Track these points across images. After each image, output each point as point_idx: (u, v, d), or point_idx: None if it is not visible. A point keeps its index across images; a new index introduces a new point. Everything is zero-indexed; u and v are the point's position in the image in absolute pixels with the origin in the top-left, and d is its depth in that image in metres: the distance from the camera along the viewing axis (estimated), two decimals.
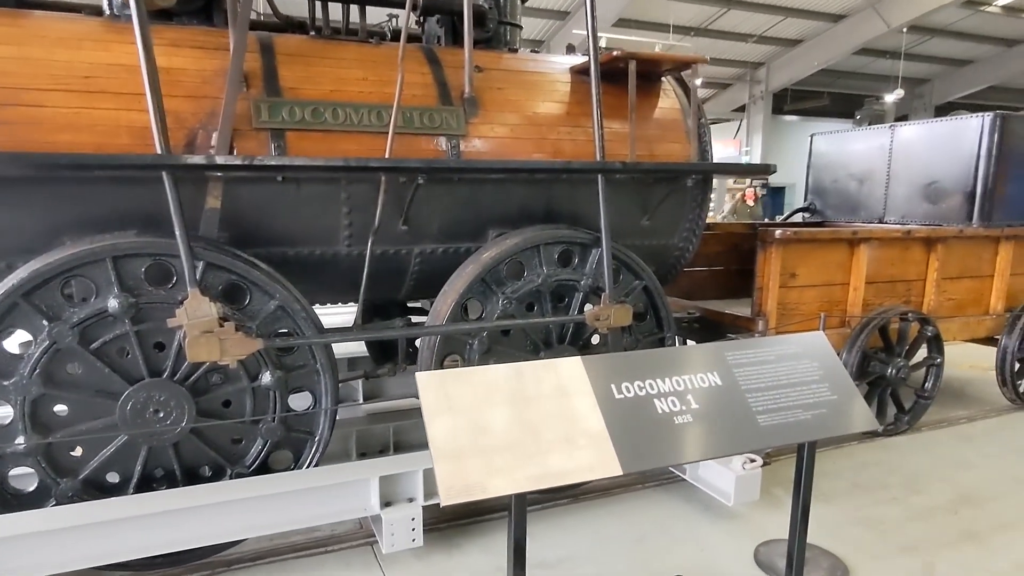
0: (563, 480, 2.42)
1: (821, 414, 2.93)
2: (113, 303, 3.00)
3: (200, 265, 3.13)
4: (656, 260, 4.53)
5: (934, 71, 25.42)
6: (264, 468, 3.44)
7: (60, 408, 3.09)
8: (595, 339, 4.13)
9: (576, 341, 4.04)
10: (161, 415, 3.16)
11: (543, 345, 3.95)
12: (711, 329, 5.11)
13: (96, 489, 3.15)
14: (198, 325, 3.06)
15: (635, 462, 2.52)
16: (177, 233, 2.96)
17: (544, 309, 3.93)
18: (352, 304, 3.88)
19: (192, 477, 3.32)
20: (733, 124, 25.79)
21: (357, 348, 5.18)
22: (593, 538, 3.70)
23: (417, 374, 2.48)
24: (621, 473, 2.49)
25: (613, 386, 2.71)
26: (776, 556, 3.53)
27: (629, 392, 2.72)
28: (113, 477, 3.20)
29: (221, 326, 3.06)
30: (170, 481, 3.28)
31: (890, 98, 22.51)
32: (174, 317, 3.05)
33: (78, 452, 3.12)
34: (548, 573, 3.39)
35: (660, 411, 2.71)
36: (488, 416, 2.46)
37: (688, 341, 5.34)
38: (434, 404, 2.42)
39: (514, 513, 2.41)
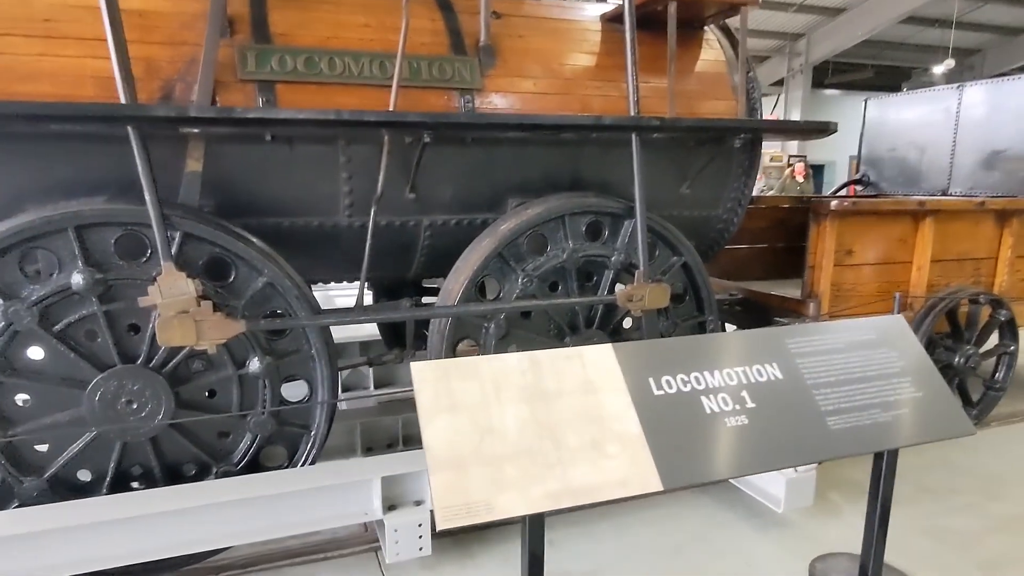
0: (588, 498, 1.94)
1: (903, 415, 2.40)
2: (77, 279, 2.60)
3: (176, 236, 2.70)
4: (697, 234, 4.00)
5: (986, 41, 23.92)
6: (254, 466, 3.03)
7: (22, 398, 2.70)
8: (627, 323, 3.63)
9: (606, 325, 3.54)
10: (135, 407, 2.76)
11: (568, 330, 3.46)
12: (755, 313, 4.56)
13: (66, 489, 2.78)
14: (173, 304, 2.64)
15: (679, 475, 2.04)
16: (147, 197, 2.53)
17: (570, 289, 3.43)
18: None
19: (174, 475, 2.92)
20: (770, 100, 24.72)
21: (371, 331, 4.74)
22: (623, 548, 3.22)
23: (412, 365, 2.02)
24: (661, 489, 2.01)
25: (651, 380, 2.21)
26: (835, 574, 3.02)
27: (671, 387, 2.22)
28: (85, 475, 2.82)
29: (199, 305, 2.63)
30: (149, 480, 2.89)
31: (939, 70, 21.19)
32: (147, 295, 2.63)
33: (44, 448, 2.74)
34: None
35: (709, 411, 2.21)
36: (498, 417, 1.99)
37: (727, 327, 4.80)
38: (432, 401, 1.96)
39: (528, 536, 1.94)
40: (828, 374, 2.43)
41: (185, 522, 2.69)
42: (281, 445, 3.08)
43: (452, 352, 3.26)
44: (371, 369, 4.11)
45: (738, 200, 4.09)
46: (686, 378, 2.27)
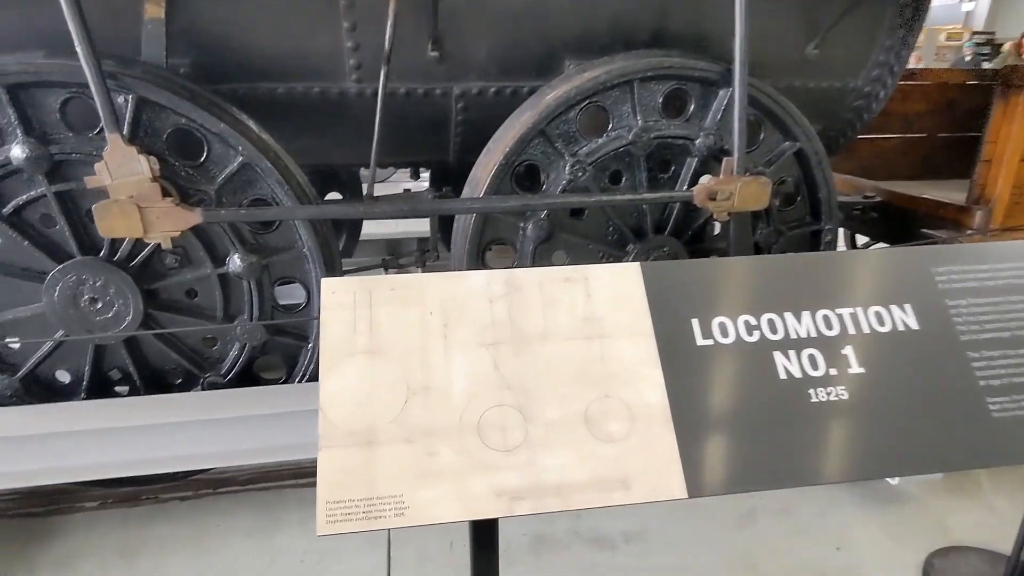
0: (564, 503, 1.20)
1: None
2: (17, 151, 2.10)
3: (129, 100, 2.11)
4: (824, 113, 2.89)
5: None
6: (247, 377, 2.55)
7: None
8: (713, 229, 2.70)
9: (682, 231, 2.64)
10: (100, 306, 2.31)
11: (632, 235, 2.60)
12: (896, 223, 3.39)
13: (43, 389, 2.43)
14: (124, 187, 2.09)
15: (717, 478, 1.23)
16: (78, 47, 1.93)
17: (636, 181, 2.54)
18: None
19: (158, 382, 2.51)
20: None
21: (426, 226, 4.08)
22: (676, 512, 2.48)
23: (323, 282, 1.32)
24: (685, 497, 1.22)
25: (696, 321, 1.37)
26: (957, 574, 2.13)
27: (726, 334, 1.37)
28: (64, 376, 2.47)
29: (160, 190, 2.07)
30: (133, 386, 2.49)
31: None
32: (94, 175, 2.10)
33: (16, 345, 2.39)
34: (608, 559, 2.26)
35: (785, 375, 1.36)
36: (440, 368, 1.27)
37: (857, 243, 3.66)
38: (341, 338, 1.27)
39: (474, 551, 1.26)
40: (994, 326, 1.46)
41: (160, 437, 2.28)
42: (278, 357, 2.57)
43: (478, 259, 2.53)
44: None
45: (889, 68, 2.89)
46: (754, 321, 1.40)
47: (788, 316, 1.42)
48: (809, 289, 1.46)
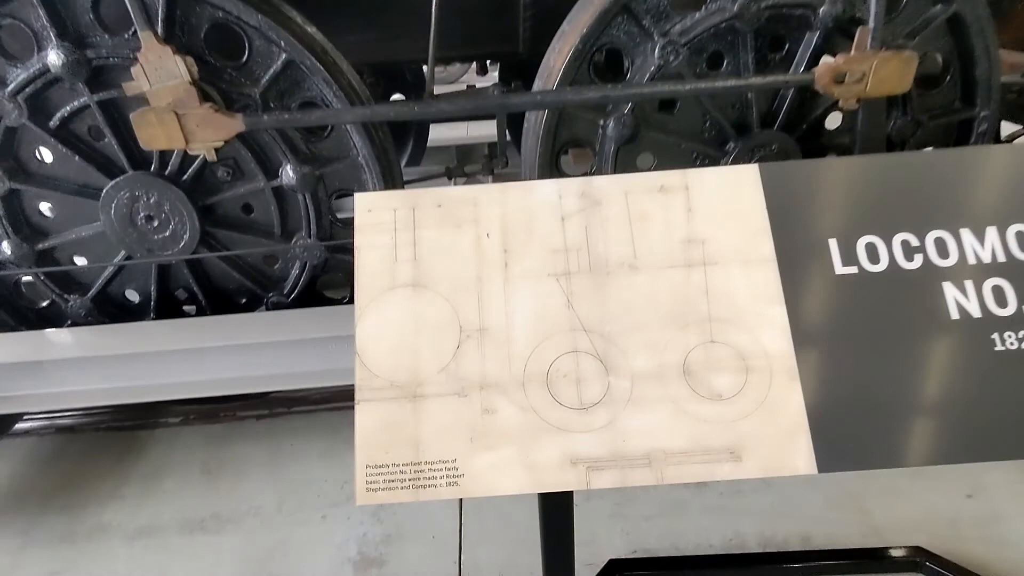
0: (652, 477, 0.94)
1: None
2: (53, 57, 1.92)
3: None
4: None
5: None
6: (312, 296, 2.40)
7: (46, 207, 2.25)
8: (833, 121, 2.22)
9: (795, 125, 2.18)
10: (156, 224, 2.17)
11: (734, 131, 2.17)
12: None
13: (114, 308, 2.38)
14: (163, 92, 1.89)
15: (859, 451, 0.92)
16: None
17: (741, 64, 2.09)
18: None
19: (224, 301, 2.41)
20: None
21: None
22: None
23: (356, 197, 1.05)
24: (814, 472, 0.92)
25: (835, 242, 1.02)
26: None
27: (876, 259, 1.02)
28: (133, 296, 2.40)
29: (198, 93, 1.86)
30: (199, 306, 2.41)
31: None
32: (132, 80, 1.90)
33: (82, 262, 2.32)
34: (694, 497, 2.03)
35: (956, 314, 0.99)
36: (497, 304, 1.00)
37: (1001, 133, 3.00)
38: (378, 269, 1.01)
39: (544, 527, 1.03)
40: None
41: (220, 359, 2.19)
42: (340, 274, 2.39)
43: (552, 164, 2.20)
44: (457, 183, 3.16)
45: None
46: (916, 241, 1.03)
47: (965, 234, 1.04)
48: (995, 196, 1.06)
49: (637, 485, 0.93)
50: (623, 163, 2.19)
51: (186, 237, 2.21)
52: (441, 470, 0.96)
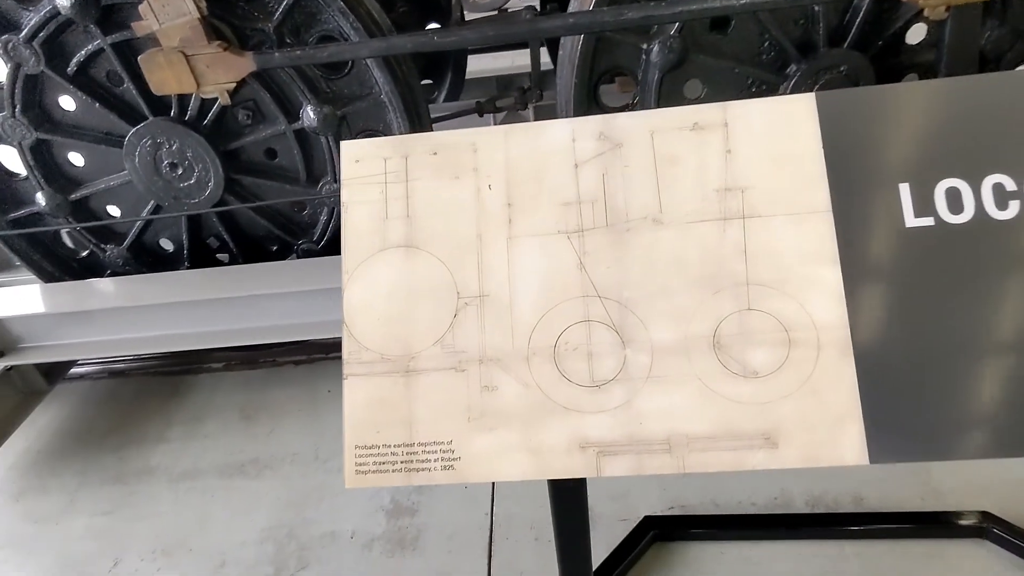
0: (672, 464, 0.81)
1: None
2: None
3: None
4: None
5: None
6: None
7: (76, 157, 2.23)
8: (916, 35, 1.92)
9: (871, 42, 1.89)
10: (180, 171, 2.12)
11: (795, 51, 1.91)
12: None
13: (150, 257, 2.38)
14: (172, 31, 1.79)
15: (921, 440, 0.76)
16: None
17: None
18: None
19: (256, 249, 2.37)
20: None
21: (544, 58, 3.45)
22: None
23: (343, 145, 0.93)
24: (866, 463, 0.78)
25: (908, 187, 0.83)
26: None
27: (959, 209, 0.82)
28: (167, 244, 2.39)
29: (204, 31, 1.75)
30: (231, 253, 2.38)
31: None
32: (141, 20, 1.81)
33: (116, 212, 2.31)
34: None
35: None
36: (499, 266, 0.87)
37: None
38: (365, 226, 0.89)
39: (557, 518, 0.93)
40: None
41: (255, 308, 2.17)
42: None
43: (590, 96, 2.00)
44: (492, 119, 2.94)
45: None
46: (1011, 184, 0.83)
47: None
48: None
49: (655, 473, 0.81)
50: (668, 92, 1.97)
51: (211, 185, 2.14)
52: (436, 452, 0.86)
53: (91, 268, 2.44)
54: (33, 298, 2.28)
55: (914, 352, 0.82)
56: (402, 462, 0.87)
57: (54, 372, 2.50)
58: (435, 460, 0.87)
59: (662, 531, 1.67)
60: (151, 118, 2.07)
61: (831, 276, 0.85)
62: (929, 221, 0.85)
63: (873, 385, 0.82)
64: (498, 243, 0.91)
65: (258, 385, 2.49)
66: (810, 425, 0.82)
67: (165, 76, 1.78)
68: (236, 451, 2.25)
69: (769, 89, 1.90)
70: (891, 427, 0.81)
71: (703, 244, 0.88)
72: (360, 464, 0.88)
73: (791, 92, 1.67)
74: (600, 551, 1.66)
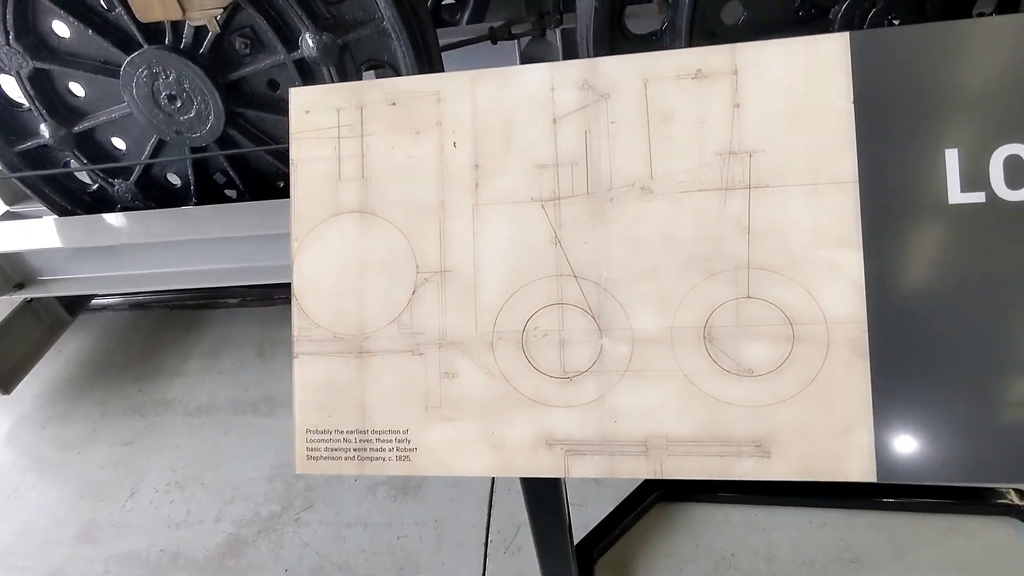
0: (648, 468, 0.71)
1: None
2: None
3: None
4: None
5: None
6: None
7: (76, 87, 2.15)
8: None
9: None
10: (179, 104, 2.02)
11: None
12: None
13: (159, 191, 2.33)
14: None
15: (940, 459, 0.64)
16: None
17: None
18: None
19: (263, 185, 2.29)
20: None
21: None
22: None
23: (291, 92, 0.80)
24: (872, 480, 0.67)
25: (956, 154, 0.67)
26: None
27: (1018, 183, 0.66)
28: (174, 179, 2.33)
29: None
30: (238, 190, 2.30)
31: None
32: None
33: (121, 145, 2.25)
34: None
35: None
36: (467, 240, 0.75)
37: None
38: (317, 188, 0.78)
39: (532, 517, 0.85)
40: None
41: (258, 248, 2.12)
42: None
43: (613, 22, 1.78)
44: (516, 50, 2.66)
45: None
46: None
47: None
48: None
49: (627, 477, 0.71)
50: (703, 16, 1.75)
51: (212, 118, 2.04)
52: (390, 441, 0.78)
53: (103, 202, 2.40)
54: (48, 232, 2.26)
55: (945, 359, 0.69)
56: (355, 449, 0.80)
57: (75, 304, 2.52)
58: (390, 450, 0.79)
59: (666, 491, 1.60)
60: (145, 47, 1.95)
61: (851, 261, 0.71)
62: (979, 197, 0.69)
63: (890, 394, 0.69)
64: (463, 211, 0.79)
65: (273, 322, 2.47)
66: (810, 434, 0.71)
67: (149, 1, 1.64)
68: (251, 387, 2.25)
69: (819, 14, 1.66)
70: (906, 443, 0.69)
71: (699, 218, 0.74)
72: (311, 449, 0.81)
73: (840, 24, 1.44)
74: (606, 506, 1.61)
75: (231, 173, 2.21)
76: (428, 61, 1.95)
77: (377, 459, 0.80)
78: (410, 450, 0.80)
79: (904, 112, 0.71)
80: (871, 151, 0.71)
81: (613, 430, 0.75)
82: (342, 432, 0.81)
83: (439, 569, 1.61)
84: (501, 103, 0.79)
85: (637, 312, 0.75)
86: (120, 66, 1.99)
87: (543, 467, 0.76)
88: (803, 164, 0.72)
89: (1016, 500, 1.48)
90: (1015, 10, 1.57)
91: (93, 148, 2.26)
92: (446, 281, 0.79)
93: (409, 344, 0.79)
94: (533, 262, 0.77)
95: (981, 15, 1.58)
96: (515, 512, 1.70)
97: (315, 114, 0.83)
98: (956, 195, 0.69)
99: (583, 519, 1.56)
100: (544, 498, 0.86)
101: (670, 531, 1.59)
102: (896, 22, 1.54)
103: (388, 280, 0.80)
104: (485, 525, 1.68)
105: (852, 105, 0.71)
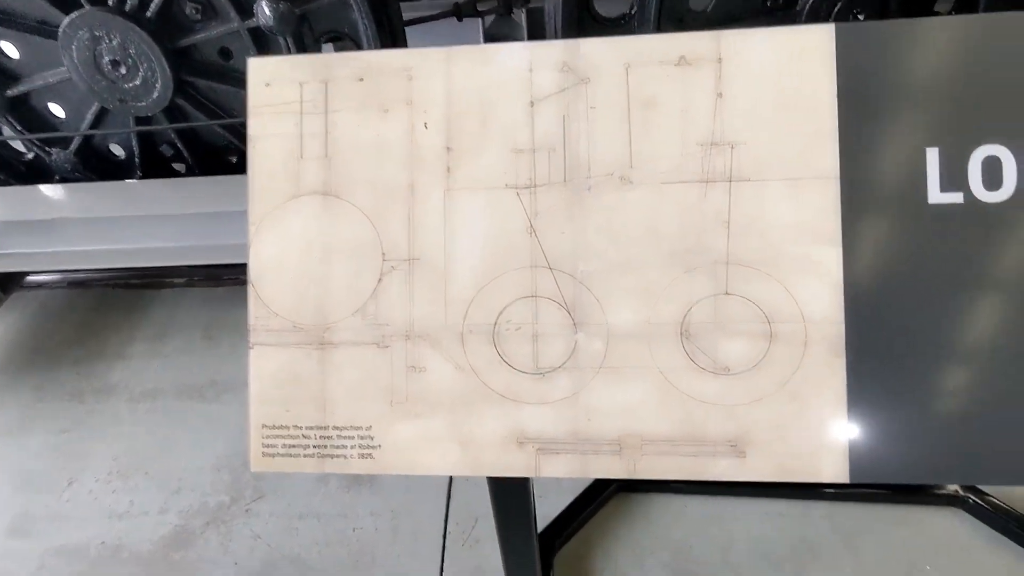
0: (622, 468, 0.70)
1: None
2: None
3: None
4: None
5: None
6: None
7: (10, 49, 1.99)
8: None
9: None
10: (124, 71, 1.89)
11: None
12: None
13: (101, 162, 2.19)
14: None
15: (916, 459, 0.64)
16: None
17: None
18: None
19: (213, 159, 2.18)
20: None
21: None
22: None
23: (250, 63, 0.74)
24: (844, 481, 0.66)
25: (936, 153, 0.66)
26: None
27: (997, 183, 0.66)
28: (118, 151, 2.19)
29: None
30: (187, 164, 2.19)
31: None
32: None
33: (60, 113, 2.10)
34: None
35: None
36: (437, 227, 0.71)
37: None
38: (277, 167, 0.72)
39: (498, 518, 0.82)
40: None
41: (212, 226, 2.02)
42: None
43: (579, 12, 1.75)
44: (480, 26, 2.60)
45: None
46: None
47: None
48: None
49: (601, 476, 0.69)
50: (672, 1, 1.73)
51: (159, 87, 1.92)
52: (353, 438, 0.74)
53: (39, 172, 2.25)
54: None
55: (920, 360, 0.69)
56: (315, 446, 0.75)
57: (7, 282, 2.37)
58: (352, 447, 0.75)
59: (625, 481, 1.60)
60: (87, 7, 1.82)
61: (830, 259, 0.70)
62: (957, 197, 0.69)
63: (865, 394, 0.69)
64: (433, 196, 0.75)
65: (221, 304, 2.37)
66: (785, 434, 0.70)
67: None
68: (197, 372, 2.16)
69: (787, 8, 1.66)
70: (881, 444, 0.69)
71: (679, 211, 0.72)
72: (268, 445, 0.76)
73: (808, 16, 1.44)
74: (567, 498, 1.61)
75: (179, 146, 2.10)
76: (391, 35, 1.88)
77: (338, 456, 0.76)
78: (373, 447, 0.76)
79: (888, 108, 0.70)
80: (854, 147, 0.70)
81: (586, 428, 0.72)
82: (301, 428, 0.76)
83: (395, 561, 1.58)
84: (477, 82, 0.74)
85: (613, 307, 0.72)
86: (58, 27, 1.85)
87: (513, 466, 0.73)
88: (785, 158, 0.71)
89: (960, 492, 1.53)
90: (973, 10, 1.59)
91: (28, 114, 2.11)
92: (414, 269, 0.75)
93: (374, 336, 0.75)
94: (507, 252, 0.73)
95: (936, 14, 1.60)
96: (474, 503, 1.68)
97: (276, 87, 0.77)
98: (936, 195, 0.69)
99: (543, 511, 1.55)
100: (512, 495, 0.83)
101: (629, 522, 1.59)
102: (860, 17, 1.55)
103: (352, 267, 0.76)
104: (443, 516, 1.65)
105: (836, 99, 0.70)
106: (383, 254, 0.75)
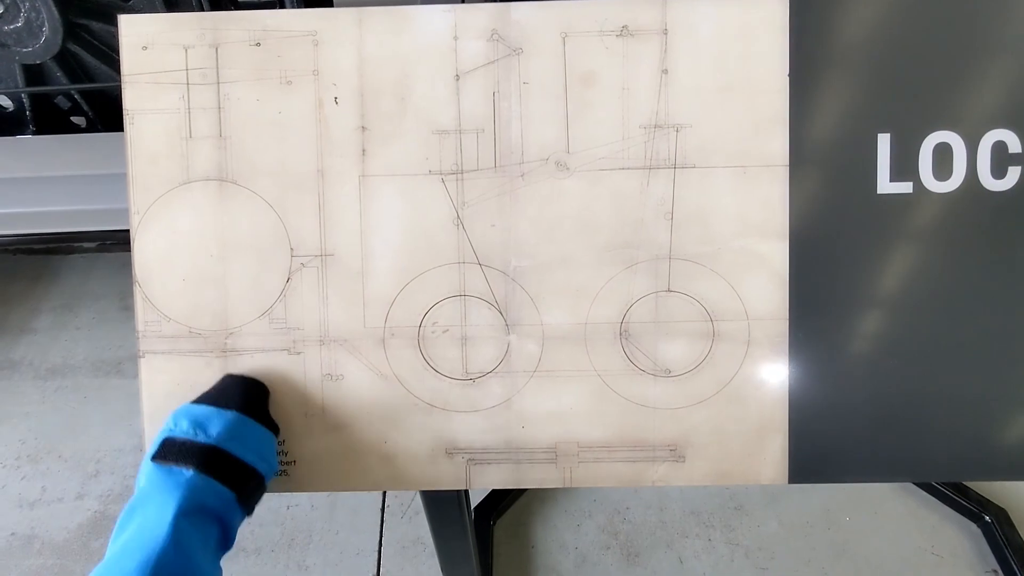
0: (558, 477, 0.64)
1: None
2: None
3: None
4: None
5: None
6: None
7: None
8: None
9: None
10: (2, 10, 1.64)
11: None
12: None
13: None
14: None
15: (858, 458, 0.62)
16: None
17: None
18: None
19: (115, 113, 1.94)
20: None
21: None
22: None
23: (121, 19, 0.61)
24: (783, 483, 0.63)
25: (886, 140, 0.61)
26: None
27: (947, 172, 0.62)
28: (5, 102, 1.93)
29: None
30: (87, 117, 1.95)
31: None
32: None
33: None
34: None
35: None
36: (353, 219, 0.61)
37: None
38: (162, 147, 0.60)
39: (435, 533, 0.76)
40: None
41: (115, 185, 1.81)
42: None
43: None
44: None
45: None
46: (1018, 144, 0.62)
47: None
48: None
49: (535, 487, 0.64)
50: None
51: (46, 30, 1.68)
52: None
53: None
54: None
55: (865, 358, 0.66)
56: None
57: None
58: None
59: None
60: None
61: (776, 253, 0.65)
62: (907, 187, 0.65)
63: (809, 393, 0.66)
64: (347, 183, 0.65)
65: None
66: (725, 436, 0.66)
67: None
68: (113, 346, 2.00)
69: None
70: (819, 445, 0.66)
71: (619, 201, 0.65)
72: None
73: None
74: None
75: (76, 97, 1.87)
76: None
77: None
78: (287, 464, 0.68)
79: (844, 88, 0.64)
80: (805, 131, 0.64)
81: (520, 436, 0.67)
82: None
83: (333, 538, 1.52)
84: (393, 50, 0.64)
85: (549, 306, 0.66)
86: None
87: (443, 479, 0.67)
88: (732, 143, 0.64)
89: None
90: None
91: None
92: (327, 267, 0.66)
93: (283, 341, 0.66)
94: (431, 246, 0.65)
95: None
96: (404, 495, 1.64)
97: (155, 51, 0.64)
98: (885, 184, 0.64)
99: None
100: (448, 513, 0.78)
101: (567, 488, 1.58)
102: None
103: (256, 265, 0.66)
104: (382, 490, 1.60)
105: (787, 79, 0.64)
106: (291, 249, 0.66)
